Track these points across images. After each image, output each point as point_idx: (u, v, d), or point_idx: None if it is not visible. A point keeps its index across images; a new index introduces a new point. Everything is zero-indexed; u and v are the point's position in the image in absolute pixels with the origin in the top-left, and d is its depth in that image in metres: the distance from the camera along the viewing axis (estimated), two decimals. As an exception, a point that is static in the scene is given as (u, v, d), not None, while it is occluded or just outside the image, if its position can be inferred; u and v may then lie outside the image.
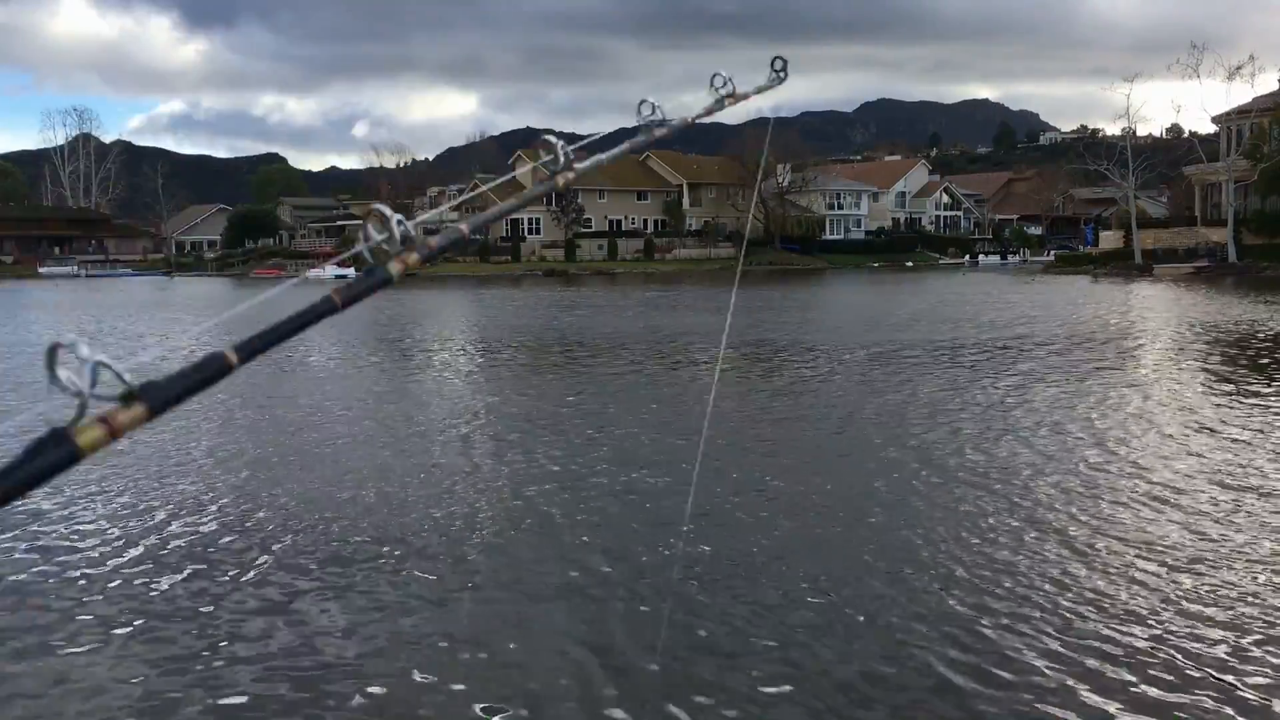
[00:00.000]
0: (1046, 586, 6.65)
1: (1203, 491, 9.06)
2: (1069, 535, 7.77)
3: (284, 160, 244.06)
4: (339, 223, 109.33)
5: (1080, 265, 68.51)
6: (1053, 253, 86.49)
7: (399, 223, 1.19)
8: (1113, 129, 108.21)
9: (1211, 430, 11.91)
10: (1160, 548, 7.44)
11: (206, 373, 0.97)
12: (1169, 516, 8.29)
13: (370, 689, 5.36)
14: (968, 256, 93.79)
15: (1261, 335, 23.15)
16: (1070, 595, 6.49)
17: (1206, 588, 6.57)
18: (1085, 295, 40.95)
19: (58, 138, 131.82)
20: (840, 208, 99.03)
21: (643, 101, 1.71)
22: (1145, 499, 8.83)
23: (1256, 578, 6.76)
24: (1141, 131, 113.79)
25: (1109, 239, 72.94)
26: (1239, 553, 7.27)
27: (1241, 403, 13.89)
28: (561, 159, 1.47)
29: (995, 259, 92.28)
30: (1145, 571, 6.92)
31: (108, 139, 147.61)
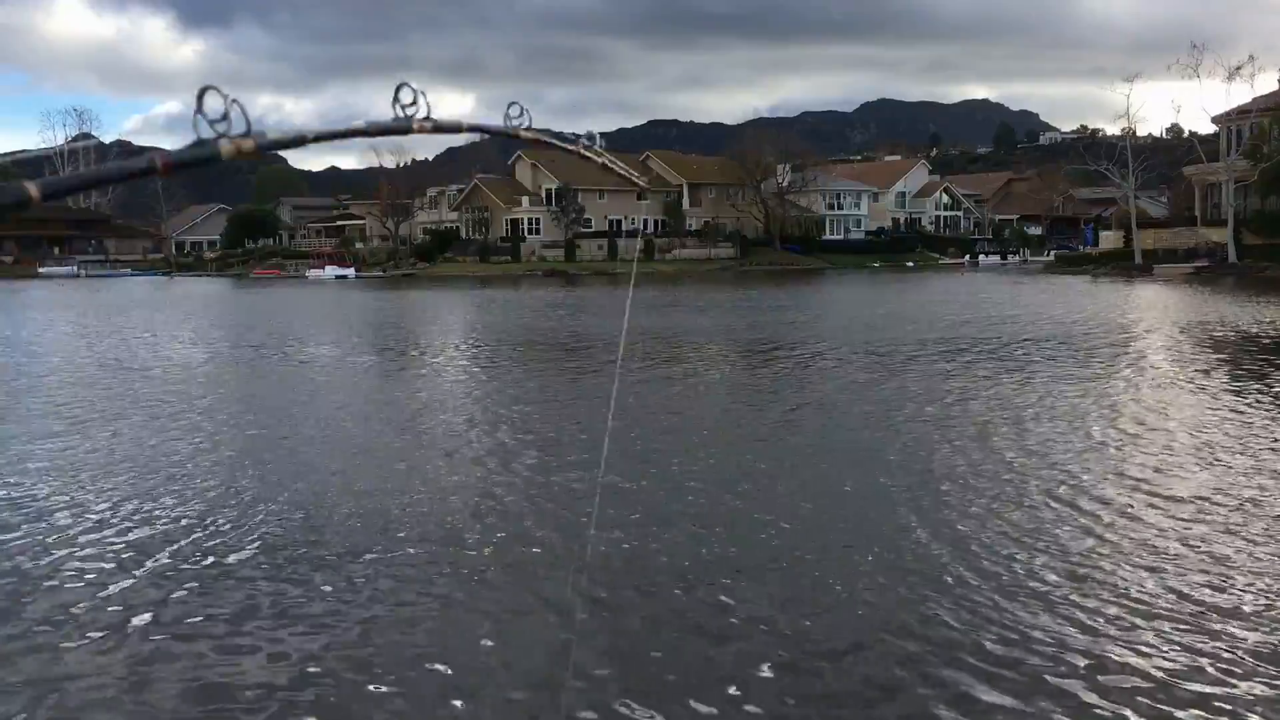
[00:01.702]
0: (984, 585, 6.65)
1: (1098, 495, 9.06)
2: (958, 529, 7.78)
3: (284, 160, 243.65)
4: (339, 223, 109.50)
5: (1080, 265, 68.53)
6: (1053, 253, 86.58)
7: (233, 102, 1.16)
8: (1113, 129, 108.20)
9: (1138, 434, 11.92)
10: (1045, 545, 7.44)
11: (4, 199, 1.00)
12: (1067, 516, 8.30)
13: (316, 692, 5.36)
14: (968, 257, 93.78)
15: (1249, 335, 23.13)
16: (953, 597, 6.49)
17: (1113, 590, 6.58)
18: (1083, 295, 40.93)
19: (57, 138, 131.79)
20: (840, 208, 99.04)
21: (512, 103, 1.71)
22: (1045, 499, 8.85)
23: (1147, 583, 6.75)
24: (1141, 131, 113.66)
25: (1109, 239, 72.94)
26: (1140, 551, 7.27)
27: (1189, 400, 13.89)
28: (424, 109, 1.44)
29: (995, 259, 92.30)
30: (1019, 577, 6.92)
31: (107, 139, 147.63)
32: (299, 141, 1.27)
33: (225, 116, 1.15)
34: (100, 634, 6.14)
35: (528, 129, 1.72)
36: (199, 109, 1.14)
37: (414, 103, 1.40)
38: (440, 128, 1.47)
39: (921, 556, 7.32)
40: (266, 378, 18.68)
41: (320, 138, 1.31)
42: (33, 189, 1.01)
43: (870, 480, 9.71)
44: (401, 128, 1.33)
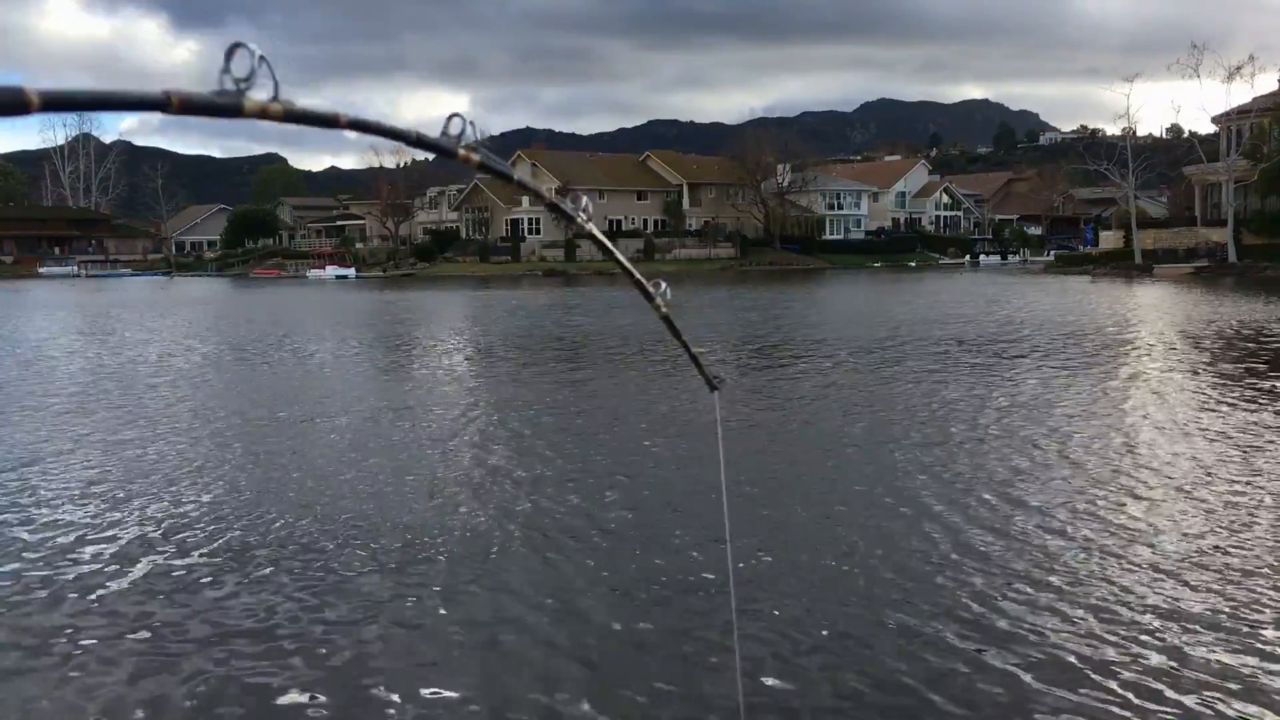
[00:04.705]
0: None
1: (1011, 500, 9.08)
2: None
3: (284, 160, 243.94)
4: (339, 223, 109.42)
5: (1080, 265, 68.50)
6: (1053, 253, 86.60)
7: (260, 59, 1.11)
8: (1112, 129, 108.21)
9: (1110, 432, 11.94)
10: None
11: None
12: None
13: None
14: (968, 257, 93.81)
15: (1245, 335, 23.13)
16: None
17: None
18: (1082, 295, 40.91)
19: (58, 138, 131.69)
20: (840, 208, 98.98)
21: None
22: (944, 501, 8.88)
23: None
24: (1141, 131, 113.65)
25: (1109, 239, 72.92)
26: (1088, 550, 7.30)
27: (1172, 404, 13.91)
28: (474, 136, 1.43)
29: (995, 259, 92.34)
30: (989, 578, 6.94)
31: (107, 139, 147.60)
32: (330, 121, 1.19)
33: (250, 75, 1.09)
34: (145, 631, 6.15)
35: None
36: (226, 68, 1.09)
37: (462, 132, 1.39)
38: (487, 166, 1.44)
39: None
40: (270, 375, 18.67)
41: (355, 125, 1.23)
42: (34, 95, 0.97)
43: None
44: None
